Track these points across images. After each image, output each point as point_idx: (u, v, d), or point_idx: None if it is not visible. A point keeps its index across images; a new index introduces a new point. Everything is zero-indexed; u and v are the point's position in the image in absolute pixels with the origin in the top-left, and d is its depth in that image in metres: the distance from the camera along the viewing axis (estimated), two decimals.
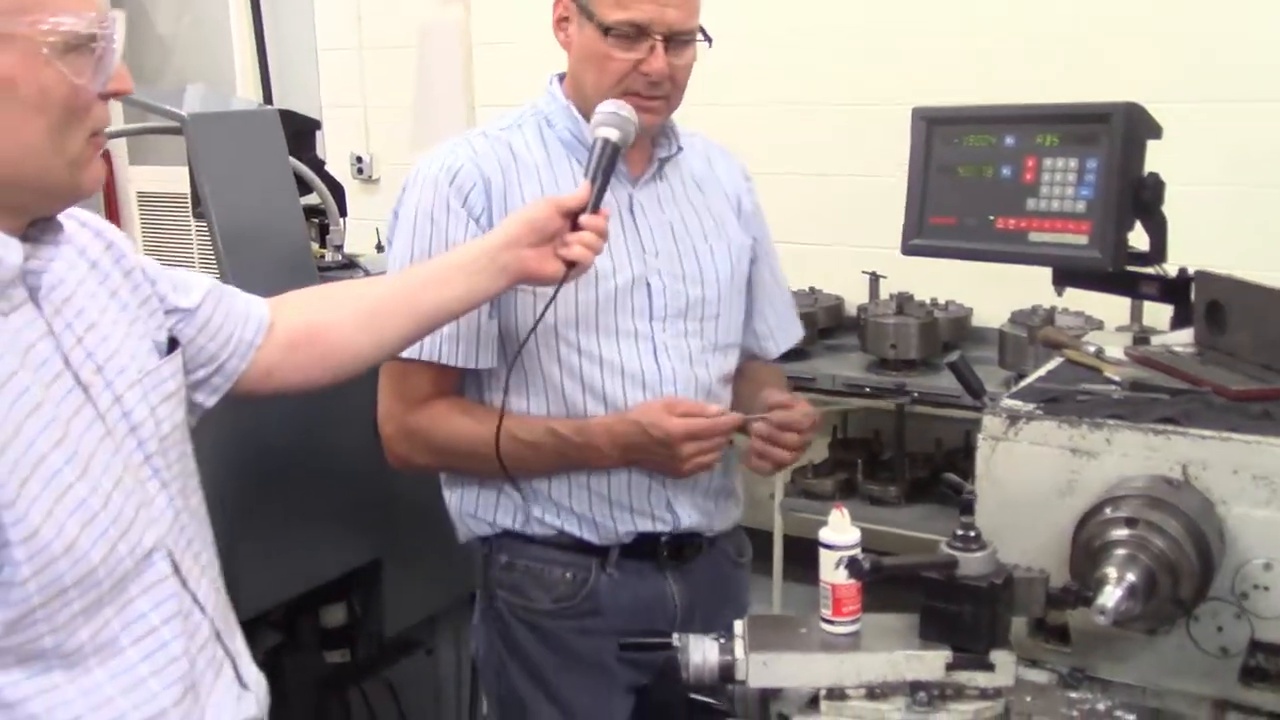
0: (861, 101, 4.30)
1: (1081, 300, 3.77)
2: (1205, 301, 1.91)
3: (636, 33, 1.86)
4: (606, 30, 1.87)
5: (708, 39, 1.96)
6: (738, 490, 2.24)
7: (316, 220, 2.92)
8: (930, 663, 1.45)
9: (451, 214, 1.94)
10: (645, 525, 2.04)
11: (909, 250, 2.13)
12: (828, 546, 1.48)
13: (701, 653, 1.50)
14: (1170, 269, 2.02)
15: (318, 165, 3.06)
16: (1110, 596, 1.44)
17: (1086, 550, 1.53)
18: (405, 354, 1.87)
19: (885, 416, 4.39)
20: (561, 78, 2.06)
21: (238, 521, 2.16)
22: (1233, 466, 1.54)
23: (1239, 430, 1.56)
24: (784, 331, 2.35)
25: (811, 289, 4.53)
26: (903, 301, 4.23)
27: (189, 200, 3.08)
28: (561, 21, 1.95)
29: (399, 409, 2.00)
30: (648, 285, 2.01)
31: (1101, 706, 1.49)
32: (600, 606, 2.04)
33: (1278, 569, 1.51)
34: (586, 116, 1.93)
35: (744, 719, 1.57)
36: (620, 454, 1.95)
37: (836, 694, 1.46)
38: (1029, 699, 1.50)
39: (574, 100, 2.01)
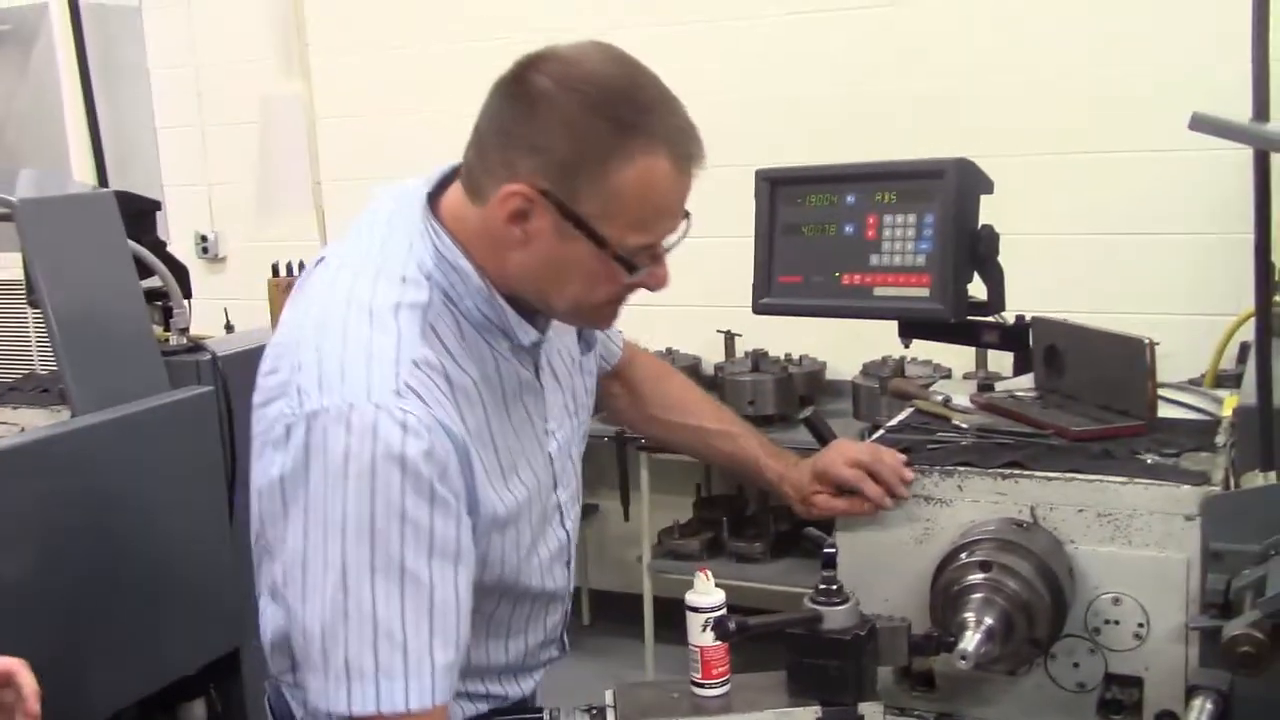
0: (707, 164, 4.37)
1: (930, 349, 3.88)
2: (1043, 347, 1.99)
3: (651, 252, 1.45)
4: (616, 254, 1.40)
5: None
6: None
7: (160, 303, 2.84)
8: (800, 719, 1.46)
9: (440, 510, 1.34)
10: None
11: (760, 309, 2.16)
12: (694, 609, 1.48)
13: None
14: (1010, 317, 2.09)
15: (159, 247, 2.97)
16: (970, 641, 1.47)
17: (945, 596, 1.57)
18: (441, 699, 1.34)
19: None
20: (431, 202, 1.50)
21: (84, 618, 2.07)
22: (1077, 505, 1.60)
23: (1081, 470, 1.62)
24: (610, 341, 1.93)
25: (669, 349, 4.57)
26: (758, 359, 4.30)
27: (24, 287, 2.97)
28: (517, 216, 1.38)
29: None
30: (549, 454, 1.60)
31: None
32: None
33: (1126, 603, 1.56)
34: (516, 299, 1.47)
35: None
36: None
37: None
38: None
39: (494, 276, 1.45)
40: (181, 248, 5.01)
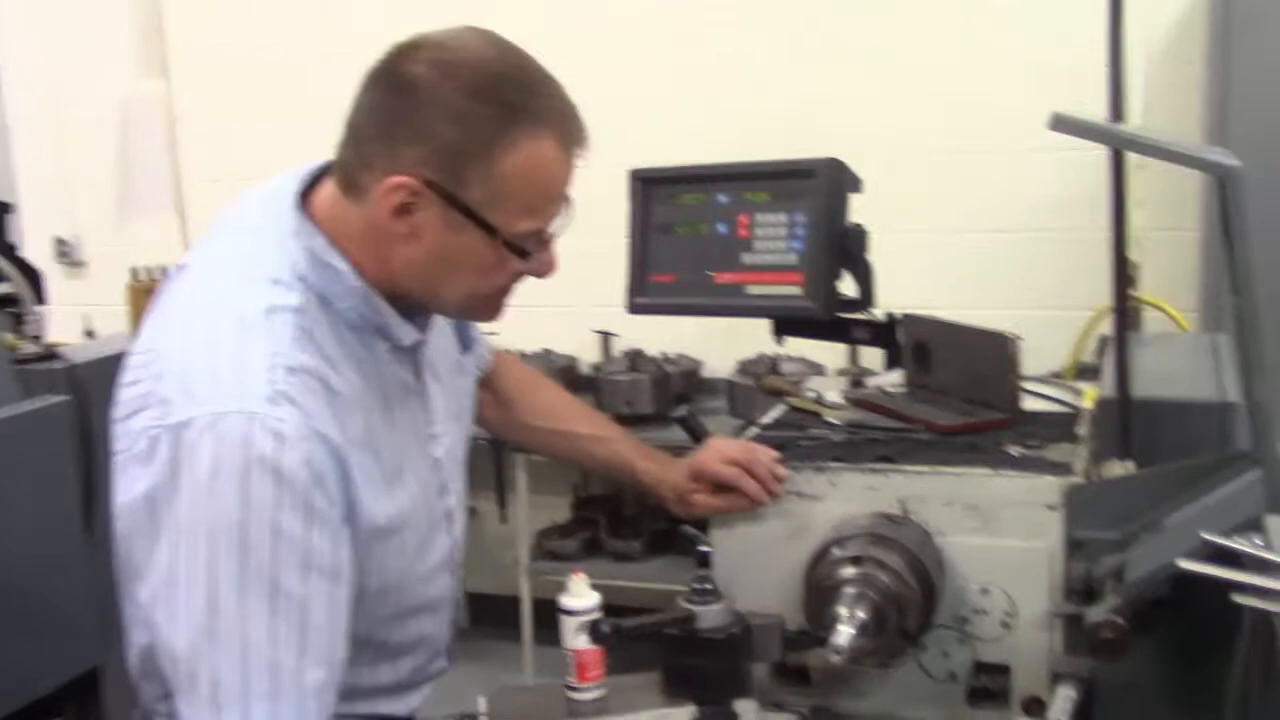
0: (580, 164, 4.36)
1: (803, 346, 3.91)
2: (912, 343, 2.01)
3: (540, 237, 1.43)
4: (506, 241, 1.38)
5: None
6: None
7: (10, 309, 2.73)
8: None
9: (318, 523, 1.29)
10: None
11: (634, 309, 2.15)
12: (567, 613, 1.47)
13: None
14: (880, 314, 2.12)
15: (9, 250, 2.86)
16: (843, 635, 1.48)
17: (818, 591, 1.57)
18: None
19: None
20: (302, 201, 1.44)
21: None
22: (945, 499, 1.62)
23: (949, 464, 1.64)
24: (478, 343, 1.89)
25: (545, 350, 4.54)
26: (635, 358, 4.29)
27: None
28: (402, 210, 1.34)
29: None
30: (437, 459, 1.56)
31: None
32: None
33: (994, 593, 1.59)
34: (398, 298, 1.43)
35: None
36: None
37: None
38: None
39: (375, 275, 1.40)
40: (39, 252, 4.81)
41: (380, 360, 1.43)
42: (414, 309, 1.45)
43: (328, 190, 1.42)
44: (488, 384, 1.89)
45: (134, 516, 1.30)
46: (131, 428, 1.32)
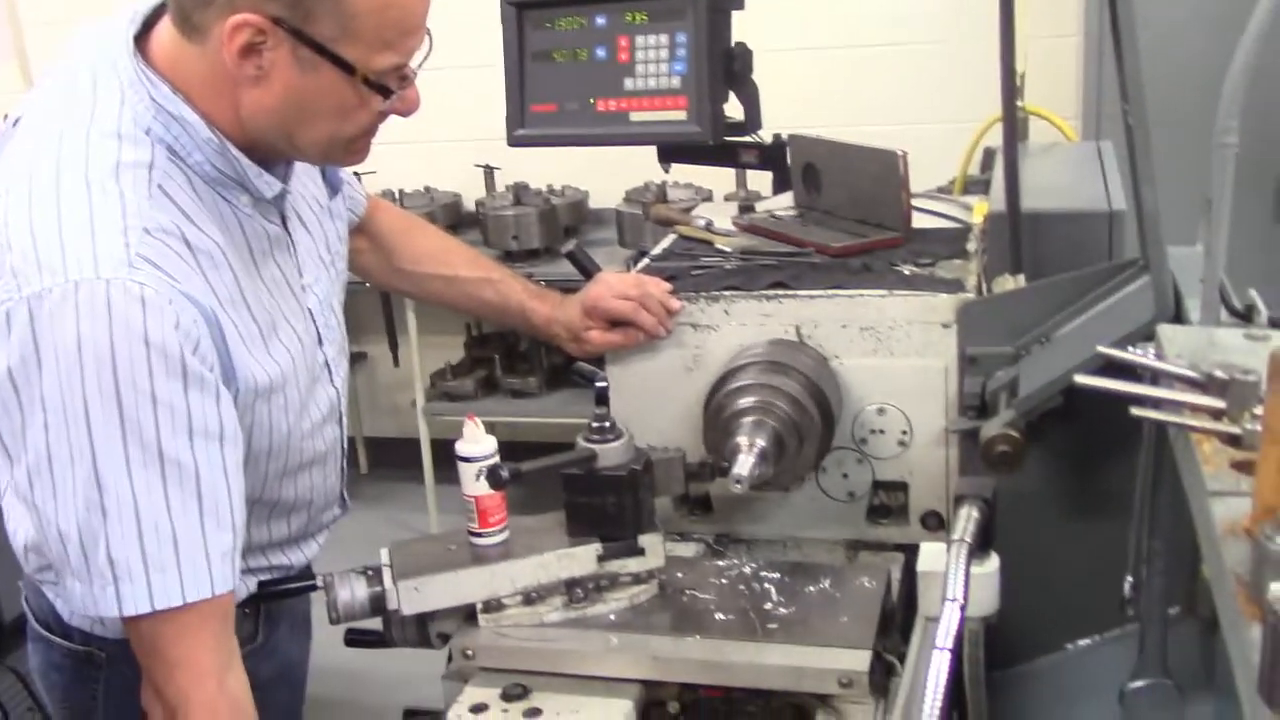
0: None
1: (691, 172, 3.86)
2: (801, 164, 1.98)
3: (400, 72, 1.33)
4: (365, 78, 1.28)
5: None
6: None
7: None
8: (581, 558, 1.44)
9: (196, 387, 1.22)
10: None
11: (515, 141, 2.08)
12: (465, 460, 1.43)
13: (349, 589, 1.43)
14: (767, 136, 2.08)
15: None
16: (744, 465, 1.48)
17: (717, 422, 1.56)
18: (222, 588, 1.25)
19: None
20: (138, 44, 1.33)
21: None
22: (840, 321, 1.61)
23: (843, 286, 1.63)
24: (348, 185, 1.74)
25: (427, 188, 4.42)
26: (519, 192, 4.20)
27: None
28: (249, 50, 1.24)
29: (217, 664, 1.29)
30: (310, 310, 1.48)
31: (748, 569, 1.53)
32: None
33: (890, 412, 1.60)
34: (254, 147, 1.33)
35: (404, 645, 1.52)
36: None
37: (493, 606, 1.43)
38: (680, 574, 1.52)
39: (225, 124, 1.31)
40: None
41: (242, 214, 1.35)
42: (272, 157, 1.36)
43: (165, 32, 1.31)
44: (363, 230, 1.80)
45: None
46: None
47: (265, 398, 1.35)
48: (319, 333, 1.49)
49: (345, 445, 1.60)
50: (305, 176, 1.51)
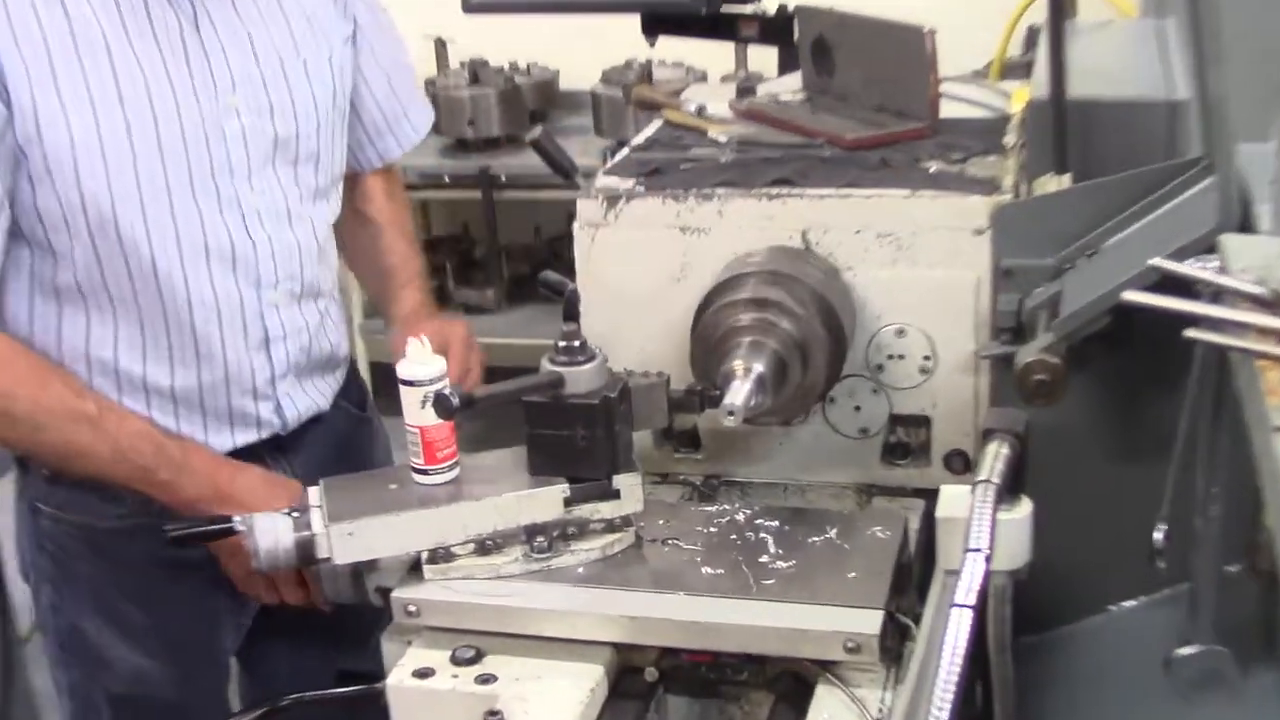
0: None
1: (680, 49, 3.85)
2: (810, 40, 1.97)
3: None
4: None
5: None
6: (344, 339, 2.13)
7: None
8: (545, 501, 1.46)
9: None
10: (248, 437, 1.86)
11: (471, 8, 2.07)
12: (408, 383, 1.44)
13: (272, 533, 1.44)
14: (771, 5, 2.07)
15: None
16: (738, 393, 1.48)
17: (707, 343, 1.57)
18: None
19: (472, 207, 4.36)
20: None
21: None
22: (854, 226, 1.61)
23: (858, 184, 1.63)
24: (405, 122, 2.09)
25: None
26: (477, 69, 4.17)
27: None
28: None
29: None
30: (223, 131, 1.73)
31: (741, 517, 1.55)
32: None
33: (911, 333, 1.61)
34: None
35: (337, 600, 1.54)
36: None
37: (441, 555, 1.45)
38: (661, 522, 1.53)
39: None
40: None
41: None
42: None
43: None
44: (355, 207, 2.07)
45: None
46: None
47: (88, 154, 1.61)
48: (231, 162, 1.72)
49: (281, 331, 1.83)
50: None
